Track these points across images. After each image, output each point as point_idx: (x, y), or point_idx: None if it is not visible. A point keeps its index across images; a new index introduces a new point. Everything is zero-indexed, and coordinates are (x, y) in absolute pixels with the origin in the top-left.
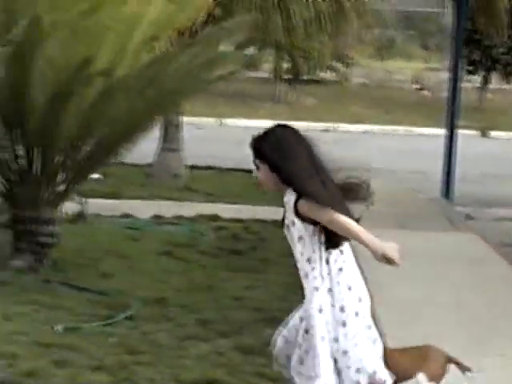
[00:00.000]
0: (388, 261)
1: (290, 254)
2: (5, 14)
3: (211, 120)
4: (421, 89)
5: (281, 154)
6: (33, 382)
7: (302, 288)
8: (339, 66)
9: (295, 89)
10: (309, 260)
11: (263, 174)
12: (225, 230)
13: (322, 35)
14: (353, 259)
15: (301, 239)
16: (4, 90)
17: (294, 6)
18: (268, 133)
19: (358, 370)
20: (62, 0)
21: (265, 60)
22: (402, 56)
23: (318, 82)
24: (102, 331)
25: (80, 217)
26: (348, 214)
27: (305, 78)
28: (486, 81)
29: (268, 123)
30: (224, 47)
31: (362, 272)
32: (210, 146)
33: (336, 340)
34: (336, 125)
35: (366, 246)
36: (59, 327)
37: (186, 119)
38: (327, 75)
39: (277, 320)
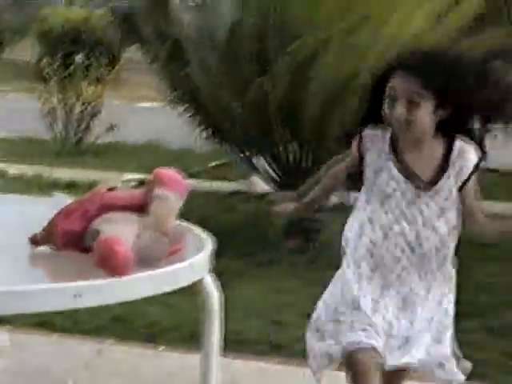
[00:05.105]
0: None
1: None
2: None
3: None
4: None
5: (464, 88)
6: (298, 347)
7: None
8: None
9: None
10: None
11: (422, 113)
12: None
13: None
14: None
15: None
16: (285, 97)
17: None
18: (445, 57)
19: None
20: (327, 19)
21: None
22: None
23: None
24: None
25: (341, 206)
26: None
27: None
28: None
29: None
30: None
31: None
32: None
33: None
34: None
35: None
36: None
37: None
38: None
39: None
